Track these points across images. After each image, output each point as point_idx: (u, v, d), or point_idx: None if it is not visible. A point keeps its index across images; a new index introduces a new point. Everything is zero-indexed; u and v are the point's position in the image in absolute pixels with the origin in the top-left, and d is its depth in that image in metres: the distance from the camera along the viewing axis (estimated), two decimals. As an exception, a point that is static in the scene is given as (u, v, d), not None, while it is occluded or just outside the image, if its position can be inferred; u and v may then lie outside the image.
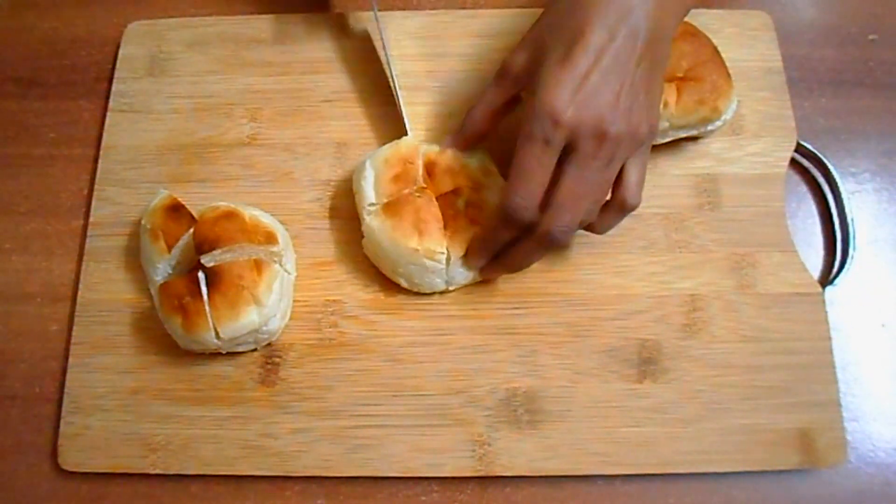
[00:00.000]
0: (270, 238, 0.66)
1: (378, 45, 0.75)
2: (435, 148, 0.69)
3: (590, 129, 0.56)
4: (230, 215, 0.65)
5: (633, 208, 0.62)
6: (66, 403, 0.66)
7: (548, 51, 0.58)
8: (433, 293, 0.69)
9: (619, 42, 0.56)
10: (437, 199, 0.67)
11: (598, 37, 0.56)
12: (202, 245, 0.63)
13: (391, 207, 0.66)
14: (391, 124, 0.74)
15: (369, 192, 0.67)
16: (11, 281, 0.72)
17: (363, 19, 0.79)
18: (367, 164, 0.69)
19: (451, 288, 0.68)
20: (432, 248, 0.65)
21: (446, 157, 0.68)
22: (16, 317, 0.71)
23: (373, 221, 0.66)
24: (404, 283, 0.68)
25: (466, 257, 0.66)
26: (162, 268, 0.67)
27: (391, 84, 0.74)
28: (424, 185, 0.67)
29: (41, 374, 0.69)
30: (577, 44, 0.56)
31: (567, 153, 0.58)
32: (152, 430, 0.66)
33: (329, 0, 0.80)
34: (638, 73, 0.58)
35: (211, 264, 0.63)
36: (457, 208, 0.66)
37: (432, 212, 0.66)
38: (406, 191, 0.67)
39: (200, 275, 0.63)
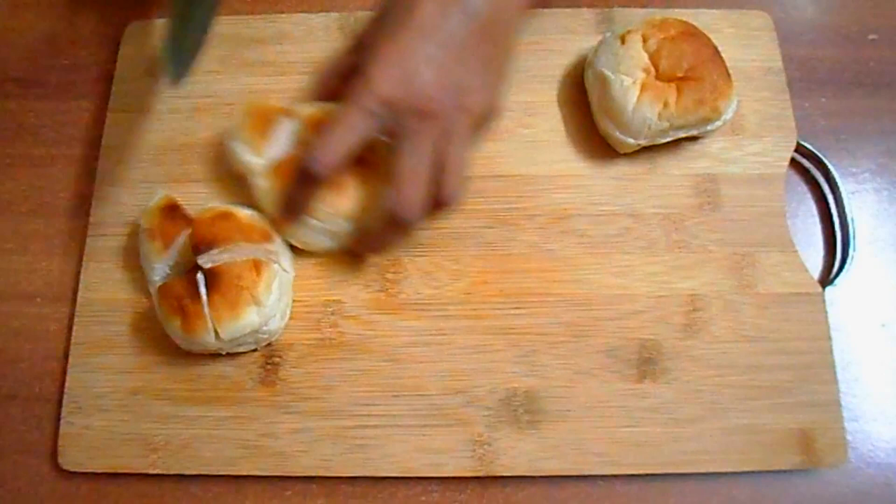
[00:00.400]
0: (266, 236, 0.66)
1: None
2: (314, 107, 0.69)
3: (411, 105, 0.58)
4: (226, 215, 0.65)
5: (449, 202, 0.61)
6: (67, 403, 0.66)
7: (382, 25, 0.60)
8: (319, 251, 0.70)
9: (452, 20, 0.58)
10: None
11: (428, 14, 0.58)
12: (199, 245, 0.63)
13: (276, 169, 0.66)
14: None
15: (250, 158, 0.68)
16: (11, 281, 0.72)
17: (362, 19, 0.78)
18: (229, 141, 0.69)
19: (336, 247, 0.69)
20: (315, 207, 0.66)
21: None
22: (16, 317, 0.71)
23: (259, 182, 0.67)
24: (296, 244, 0.69)
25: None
26: (159, 268, 0.67)
27: None
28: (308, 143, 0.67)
29: (41, 374, 0.69)
30: (405, 20, 0.58)
31: (396, 133, 0.60)
32: (152, 430, 0.66)
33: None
34: (476, 53, 0.59)
35: (208, 265, 0.63)
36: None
37: None
38: (291, 152, 0.67)
39: (199, 276, 0.63)
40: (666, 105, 0.67)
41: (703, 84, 0.68)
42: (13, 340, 0.70)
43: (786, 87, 0.75)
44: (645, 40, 0.70)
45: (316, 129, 0.65)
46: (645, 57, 0.69)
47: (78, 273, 0.71)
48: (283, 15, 0.79)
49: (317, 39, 0.78)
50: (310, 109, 0.68)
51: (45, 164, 0.76)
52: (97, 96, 0.78)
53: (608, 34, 0.72)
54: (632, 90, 0.68)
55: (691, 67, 0.68)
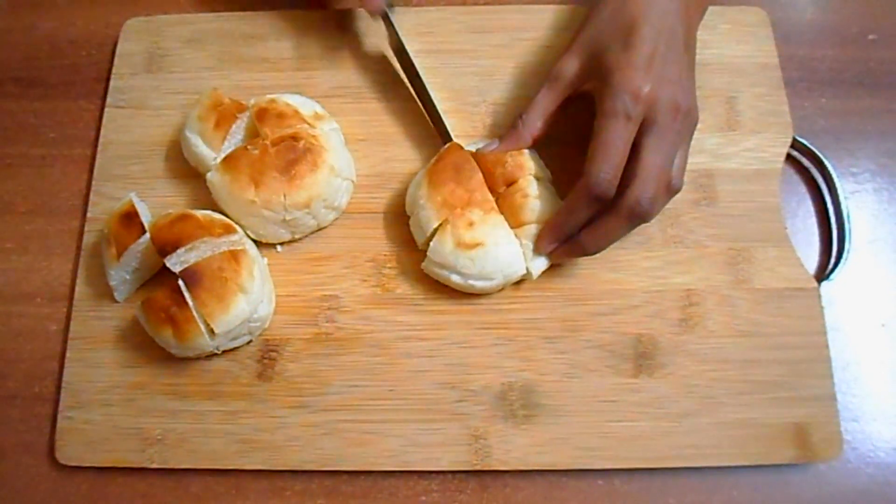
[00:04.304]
0: (229, 229, 0.67)
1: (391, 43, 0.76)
2: (265, 98, 0.70)
3: (666, 102, 0.61)
4: (184, 217, 0.66)
5: (678, 190, 0.64)
6: (64, 398, 0.67)
7: (605, 49, 0.63)
8: (280, 243, 0.71)
9: (665, 34, 0.62)
10: (274, 146, 0.67)
11: (649, 29, 0.62)
12: (164, 248, 0.64)
13: (228, 162, 0.67)
14: (387, 120, 0.75)
15: (204, 150, 0.69)
16: (11, 281, 0.72)
17: (359, 16, 0.79)
18: (187, 133, 0.70)
19: (296, 236, 0.70)
20: (268, 199, 0.66)
21: (277, 103, 0.69)
22: (15, 317, 0.71)
23: (213, 177, 0.68)
24: (252, 235, 0.69)
25: (536, 242, 0.66)
26: (115, 274, 0.67)
27: (416, 86, 0.74)
28: (258, 136, 0.68)
29: (41, 374, 0.69)
30: (633, 35, 0.62)
31: (644, 130, 0.61)
32: (150, 425, 0.66)
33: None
34: (685, 60, 0.64)
35: (179, 266, 0.63)
36: (298, 153, 0.67)
37: (267, 162, 0.67)
38: (241, 145, 0.68)
39: (179, 282, 0.63)
40: None
41: None
42: (13, 340, 0.71)
43: (781, 83, 0.75)
44: None
45: (264, 119, 0.67)
46: None
47: (77, 272, 0.71)
48: (279, 11, 0.80)
49: (313, 36, 0.78)
50: (258, 100, 0.70)
51: (45, 164, 0.77)
52: (97, 96, 0.78)
53: None
54: None
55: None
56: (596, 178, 0.60)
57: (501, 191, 0.67)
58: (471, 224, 0.65)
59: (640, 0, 0.63)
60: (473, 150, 0.69)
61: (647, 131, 0.61)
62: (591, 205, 0.62)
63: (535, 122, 0.68)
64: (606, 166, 0.60)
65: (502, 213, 0.66)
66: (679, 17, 0.63)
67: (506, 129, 0.70)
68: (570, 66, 0.66)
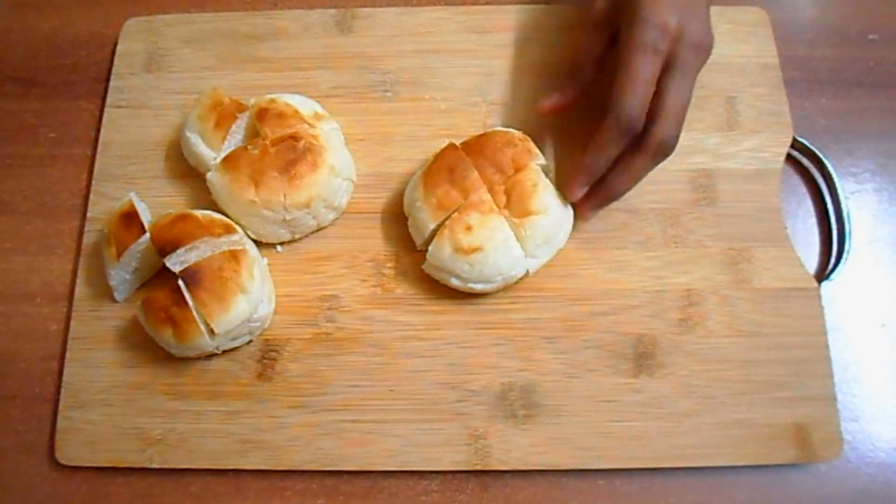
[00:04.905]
0: (229, 228, 0.67)
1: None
2: (265, 98, 0.70)
3: (691, 38, 0.61)
4: (184, 217, 0.66)
5: (672, 147, 0.64)
6: (64, 399, 0.67)
7: None
8: (280, 243, 0.71)
9: None
10: (274, 146, 0.67)
11: None
12: (164, 248, 0.64)
13: (228, 162, 0.67)
14: (387, 120, 0.75)
15: (204, 150, 0.69)
16: (11, 281, 0.72)
17: (360, 15, 0.79)
18: (187, 132, 0.70)
19: (296, 236, 0.70)
20: (268, 198, 0.66)
21: (277, 103, 0.69)
22: (15, 317, 0.71)
23: (213, 177, 0.68)
24: (252, 235, 0.69)
25: (566, 187, 0.67)
26: (115, 274, 0.67)
27: None
28: (258, 135, 0.68)
29: (41, 374, 0.69)
30: None
31: (668, 65, 0.62)
32: (149, 425, 0.66)
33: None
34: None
35: (178, 266, 0.63)
36: (298, 153, 0.67)
37: (267, 162, 0.67)
38: (241, 145, 0.68)
39: (179, 282, 0.63)
40: None
41: None
42: (13, 340, 0.70)
43: (782, 83, 0.75)
44: None
45: (264, 119, 0.67)
46: None
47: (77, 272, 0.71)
48: (280, 11, 0.80)
49: (313, 36, 0.78)
50: (258, 100, 0.70)
51: (45, 164, 0.76)
52: (97, 96, 0.78)
53: None
54: None
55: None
56: (626, 112, 0.60)
57: (511, 174, 0.66)
58: (468, 228, 0.64)
59: None
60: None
61: (672, 67, 0.62)
62: (621, 139, 0.62)
63: (587, 68, 0.68)
64: (635, 100, 0.60)
65: (509, 200, 0.66)
66: None
67: (556, 83, 0.70)
68: (602, 6, 0.66)
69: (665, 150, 0.63)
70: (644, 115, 0.61)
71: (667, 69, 0.62)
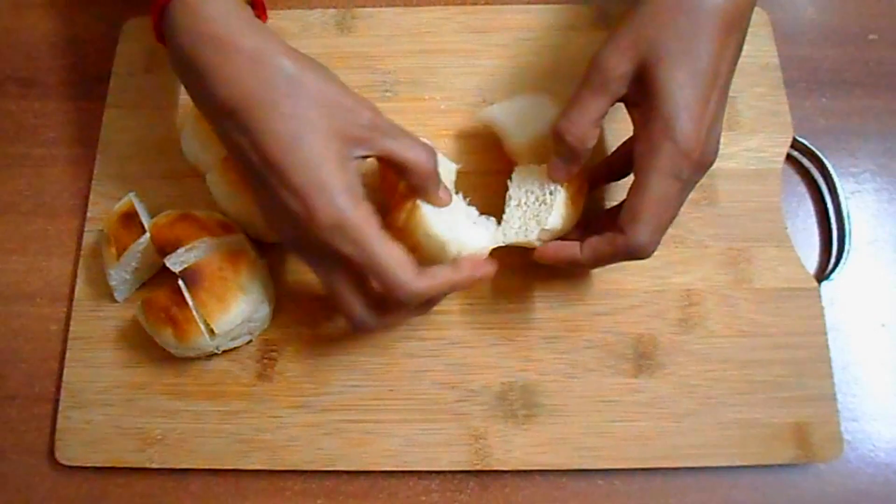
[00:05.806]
0: (229, 229, 0.67)
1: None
2: None
3: (707, 159, 0.56)
4: (184, 216, 0.66)
5: (647, 255, 0.57)
6: (64, 399, 0.67)
7: (663, 57, 0.53)
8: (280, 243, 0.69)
9: (731, 51, 0.55)
10: None
11: (719, 45, 0.53)
12: (164, 248, 0.64)
13: (228, 162, 0.67)
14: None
15: (205, 150, 0.68)
16: (11, 281, 0.72)
17: (360, 15, 0.79)
18: (186, 133, 0.70)
19: None
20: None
21: None
22: (16, 317, 0.71)
23: (213, 177, 0.68)
24: (252, 235, 0.69)
25: (543, 254, 0.61)
26: (115, 274, 0.67)
27: None
28: None
29: (41, 374, 0.69)
30: (702, 56, 0.53)
31: None
32: (149, 425, 0.66)
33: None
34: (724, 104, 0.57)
35: (178, 266, 0.63)
36: None
37: None
38: None
39: (179, 282, 0.63)
40: None
41: None
42: (13, 340, 0.70)
43: (782, 83, 0.75)
44: None
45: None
46: None
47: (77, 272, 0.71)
48: (279, 11, 0.79)
49: (313, 36, 0.78)
50: None
51: (45, 164, 0.76)
52: (97, 96, 0.78)
53: None
54: None
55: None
56: (640, 242, 0.55)
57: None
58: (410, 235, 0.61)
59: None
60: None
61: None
62: (622, 259, 0.58)
63: (584, 134, 0.58)
64: (655, 232, 0.55)
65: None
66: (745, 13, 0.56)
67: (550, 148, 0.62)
68: (620, 66, 0.55)
69: (639, 255, 0.56)
70: (656, 244, 0.56)
71: None
